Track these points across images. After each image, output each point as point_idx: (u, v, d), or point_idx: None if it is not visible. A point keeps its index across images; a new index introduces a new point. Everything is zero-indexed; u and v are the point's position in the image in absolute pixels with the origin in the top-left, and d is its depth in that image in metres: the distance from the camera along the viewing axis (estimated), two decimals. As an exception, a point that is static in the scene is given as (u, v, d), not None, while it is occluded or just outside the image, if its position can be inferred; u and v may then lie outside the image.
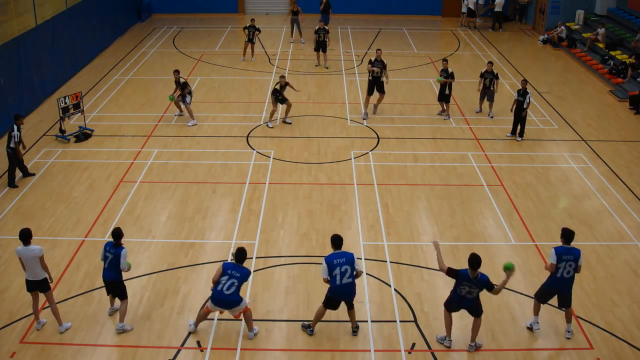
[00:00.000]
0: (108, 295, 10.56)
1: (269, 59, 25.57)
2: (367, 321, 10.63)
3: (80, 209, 14.12)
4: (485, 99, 19.36)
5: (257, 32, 24.58)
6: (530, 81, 23.16)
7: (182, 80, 18.79)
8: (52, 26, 21.73)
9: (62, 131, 17.65)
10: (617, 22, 27.24)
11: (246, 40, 24.77)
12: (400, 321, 10.67)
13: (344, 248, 12.37)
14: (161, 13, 33.54)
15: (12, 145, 14.93)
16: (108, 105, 20.45)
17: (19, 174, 15.43)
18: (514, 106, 17.63)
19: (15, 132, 14.91)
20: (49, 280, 10.19)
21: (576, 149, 17.57)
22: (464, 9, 31.77)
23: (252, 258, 12.35)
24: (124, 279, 10.37)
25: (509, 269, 9.55)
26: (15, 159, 15.10)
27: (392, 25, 32.01)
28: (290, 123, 18.86)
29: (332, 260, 9.81)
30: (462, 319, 10.69)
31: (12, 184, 15.09)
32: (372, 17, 33.37)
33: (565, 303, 10.24)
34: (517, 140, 17.75)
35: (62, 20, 22.59)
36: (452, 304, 9.98)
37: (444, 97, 19.14)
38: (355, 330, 10.35)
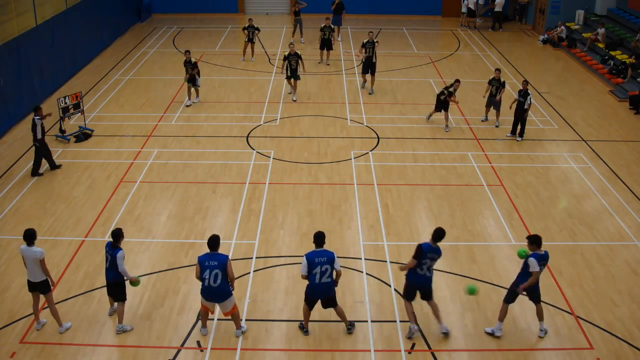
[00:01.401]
0: (109, 296, 10.55)
1: (269, 59, 25.58)
2: (367, 321, 10.63)
3: (80, 209, 14.12)
4: (492, 107, 18.86)
5: (256, 32, 24.58)
6: (530, 81, 23.15)
7: (193, 60, 19.74)
8: (52, 26, 21.73)
9: (62, 131, 17.65)
10: (617, 22, 27.23)
11: (246, 40, 24.77)
12: (400, 321, 10.67)
13: (345, 247, 12.41)
14: (161, 13, 33.55)
15: (39, 137, 15.26)
16: (108, 105, 20.45)
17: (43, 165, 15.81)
18: (513, 104, 17.64)
19: (37, 120, 15.21)
20: (51, 284, 10.17)
21: (576, 149, 17.57)
22: (464, 9, 31.77)
23: (252, 258, 12.35)
24: (126, 279, 10.35)
25: (471, 293, 10.20)
26: (44, 151, 15.47)
27: (392, 25, 32.01)
28: (295, 100, 20.66)
29: (314, 259, 9.79)
30: (462, 318, 10.72)
31: (36, 173, 15.55)
32: (372, 17, 33.36)
33: (535, 299, 10.30)
34: (517, 141, 17.75)
35: (62, 20, 22.59)
36: (409, 290, 10.22)
37: (443, 105, 18.54)
38: (349, 328, 10.35)
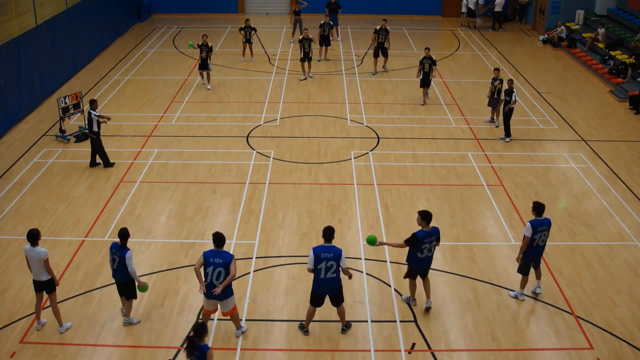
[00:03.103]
0: (120, 296, 10.51)
1: (269, 59, 25.58)
2: (367, 321, 10.63)
3: (80, 209, 14.12)
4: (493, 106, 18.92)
5: (253, 32, 24.61)
6: (530, 81, 23.19)
7: (210, 45, 21.38)
8: (52, 26, 21.73)
9: (62, 131, 17.65)
10: (617, 22, 27.23)
11: (243, 41, 24.78)
12: (400, 321, 10.67)
13: (345, 247, 12.39)
14: (161, 13, 33.55)
15: (95, 129, 15.57)
16: (108, 105, 20.45)
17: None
18: (503, 105, 17.58)
19: (94, 115, 15.48)
20: (55, 284, 10.17)
21: (576, 149, 17.57)
22: (464, 9, 31.76)
23: (252, 258, 12.35)
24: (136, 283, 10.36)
25: (372, 242, 10.40)
26: (98, 146, 15.75)
27: (392, 25, 31.75)
28: (312, 77, 23.10)
29: (320, 254, 9.80)
30: (462, 318, 10.72)
31: (99, 163, 16.00)
32: (372, 17, 33.32)
33: (537, 265, 11.19)
34: (506, 141, 17.61)
35: (62, 20, 22.59)
36: (413, 273, 10.73)
37: (426, 82, 20.40)
38: (344, 329, 10.35)
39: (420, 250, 10.37)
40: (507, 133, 17.79)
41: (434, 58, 20.33)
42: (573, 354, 10.00)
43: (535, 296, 11.19)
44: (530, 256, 10.89)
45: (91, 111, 15.58)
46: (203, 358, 7.99)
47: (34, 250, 9.94)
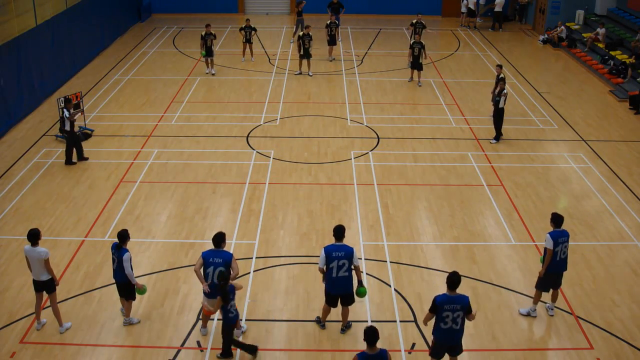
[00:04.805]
0: (120, 296, 10.49)
1: (269, 59, 25.58)
2: (367, 321, 10.63)
3: (80, 209, 14.12)
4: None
5: (253, 32, 24.64)
6: (530, 81, 23.19)
7: (213, 32, 22.80)
8: (52, 26, 21.73)
9: (62, 131, 17.64)
10: (617, 22, 27.24)
11: (244, 41, 24.80)
12: (400, 321, 10.67)
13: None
14: (161, 13, 33.56)
15: (67, 128, 15.85)
16: (108, 105, 20.45)
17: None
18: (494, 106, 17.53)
19: (66, 115, 15.76)
20: (55, 284, 10.17)
21: (576, 149, 17.57)
22: (463, 9, 31.76)
23: (252, 258, 12.35)
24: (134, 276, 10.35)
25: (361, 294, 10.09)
26: (72, 141, 16.00)
27: (392, 25, 32.00)
28: (312, 76, 23.24)
29: (331, 253, 9.78)
30: (462, 319, 10.71)
31: (69, 161, 16.14)
32: (372, 17, 33.37)
33: (558, 284, 10.64)
34: (491, 143, 17.58)
35: (62, 20, 22.59)
36: (438, 349, 9.17)
37: (417, 65, 21.96)
38: (343, 329, 10.36)
39: (441, 319, 8.81)
40: (497, 136, 17.70)
41: (422, 42, 22.01)
42: (573, 354, 10.00)
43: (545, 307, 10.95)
44: (554, 269, 10.36)
45: (65, 110, 15.85)
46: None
47: (34, 250, 9.94)
